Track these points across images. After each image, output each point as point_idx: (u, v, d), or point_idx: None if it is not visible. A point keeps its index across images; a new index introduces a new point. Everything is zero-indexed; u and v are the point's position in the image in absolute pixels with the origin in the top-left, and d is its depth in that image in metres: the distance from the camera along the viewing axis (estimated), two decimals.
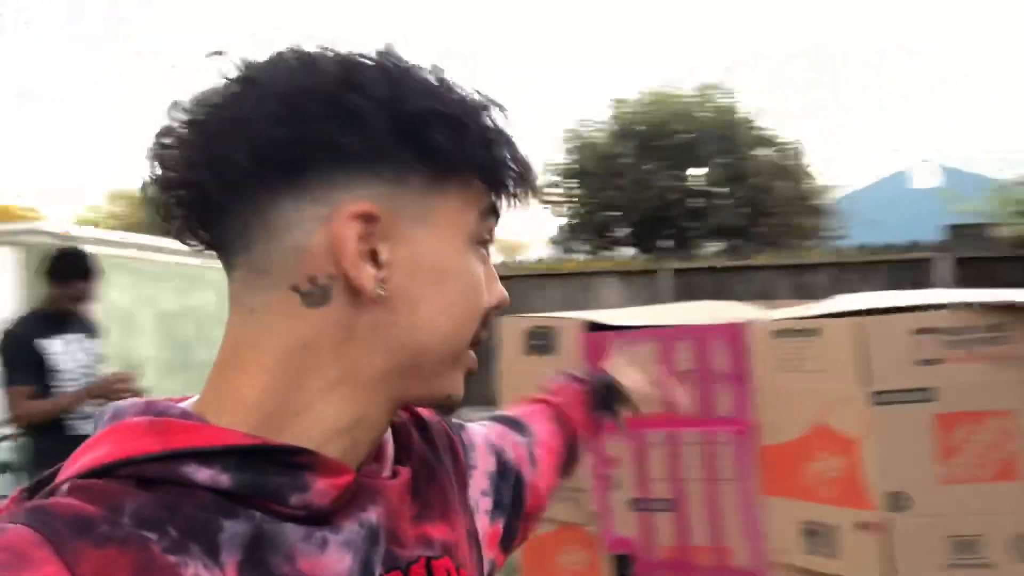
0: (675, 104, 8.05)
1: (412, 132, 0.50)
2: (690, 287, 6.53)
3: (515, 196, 0.58)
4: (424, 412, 0.68)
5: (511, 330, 2.42)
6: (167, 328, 6.46)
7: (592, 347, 2.15)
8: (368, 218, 0.50)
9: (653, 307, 2.97)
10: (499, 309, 0.59)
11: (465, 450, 0.72)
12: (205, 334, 6.78)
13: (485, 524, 0.71)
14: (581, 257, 8.54)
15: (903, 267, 6.24)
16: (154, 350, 6.26)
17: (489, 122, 0.54)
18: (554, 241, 9.64)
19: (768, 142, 8.11)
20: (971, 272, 5.99)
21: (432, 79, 0.53)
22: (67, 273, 2.78)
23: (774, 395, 1.97)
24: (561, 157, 8.74)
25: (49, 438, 2.64)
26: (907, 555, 1.82)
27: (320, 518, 0.50)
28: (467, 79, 0.56)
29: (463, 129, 0.52)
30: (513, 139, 0.56)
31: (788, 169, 8.01)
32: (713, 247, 7.79)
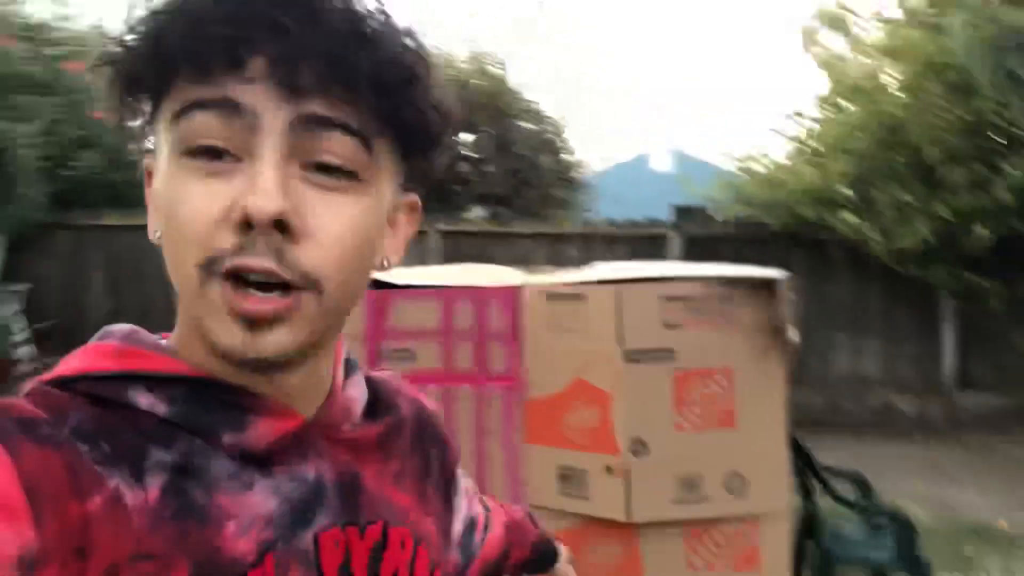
0: (449, 70, 8.16)
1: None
2: (456, 250, 6.72)
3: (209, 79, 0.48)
4: (427, 401, 0.71)
5: None
6: None
7: (376, 304, 2.17)
8: (148, 174, 0.53)
9: (431, 267, 3.05)
10: (254, 222, 0.46)
11: (454, 455, 0.73)
12: None
13: (453, 538, 0.72)
14: None
15: (642, 241, 6.91)
16: None
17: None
18: None
19: (533, 115, 8.51)
20: (697, 248, 6.81)
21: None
22: None
23: (542, 353, 2.14)
24: None
25: None
26: (643, 494, 2.08)
27: (255, 459, 0.50)
28: None
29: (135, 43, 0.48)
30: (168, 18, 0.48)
31: (550, 143, 8.49)
32: (478, 212, 8.07)
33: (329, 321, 0.52)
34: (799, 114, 6.77)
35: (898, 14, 6.12)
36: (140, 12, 0.48)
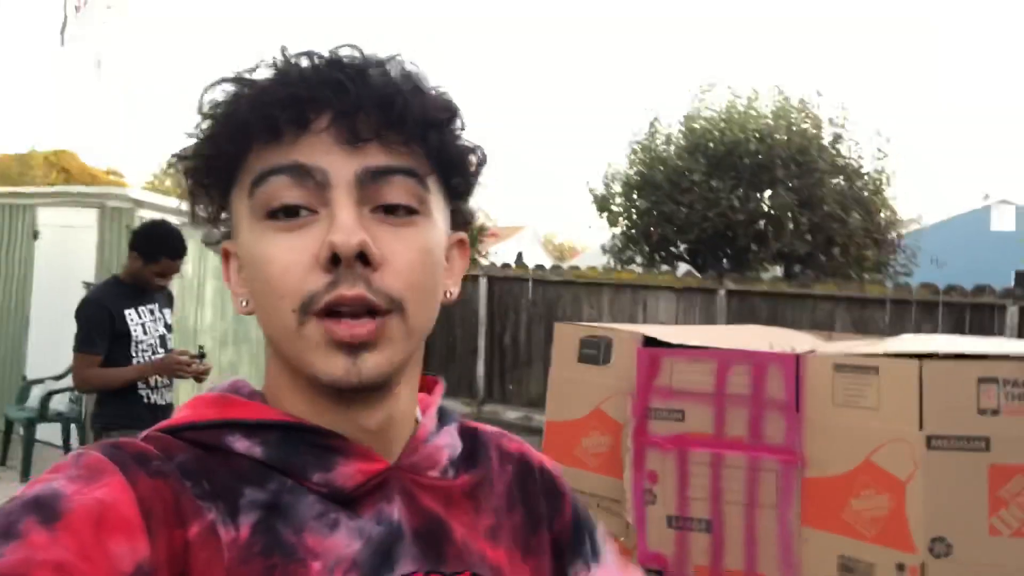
0: (750, 123, 7.96)
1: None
2: (745, 310, 6.44)
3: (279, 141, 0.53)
4: (542, 459, 0.70)
5: (564, 336, 2.46)
6: (226, 300, 6.68)
7: (646, 361, 2.17)
8: (226, 255, 0.60)
9: (709, 327, 2.97)
10: (341, 254, 0.51)
11: (581, 522, 0.69)
12: None
13: None
14: (635, 269, 8.50)
15: (969, 311, 6.05)
16: (213, 320, 6.47)
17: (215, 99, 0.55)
18: (606, 250, 9.59)
19: (845, 170, 7.94)
20: None
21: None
22: (156, 250, 2.83)
23: (826, 429, 1.97)
24: (626, 166, 8.73)
25: (117, 400, 2.76)
26: None
27: (342, 500, 0.54)
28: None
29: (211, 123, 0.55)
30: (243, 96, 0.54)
31: (862, 200, 7.84)
32: (773, 272, 7.68)
33: (412, 344, 0.56)
34: None
35: None
36: (212, 98, 0.55)
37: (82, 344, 2.75)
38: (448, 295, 0.62)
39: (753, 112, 8.23)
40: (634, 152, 8.69)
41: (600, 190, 8.97)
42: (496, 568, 0.60)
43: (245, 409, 0.56)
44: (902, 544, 1.85)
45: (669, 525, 2.16)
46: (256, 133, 0.53)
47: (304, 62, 0.54)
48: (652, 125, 8.72)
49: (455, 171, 0.59)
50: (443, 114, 0.57)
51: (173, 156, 0.57)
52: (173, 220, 3.20)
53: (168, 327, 2.98)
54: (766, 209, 7.96)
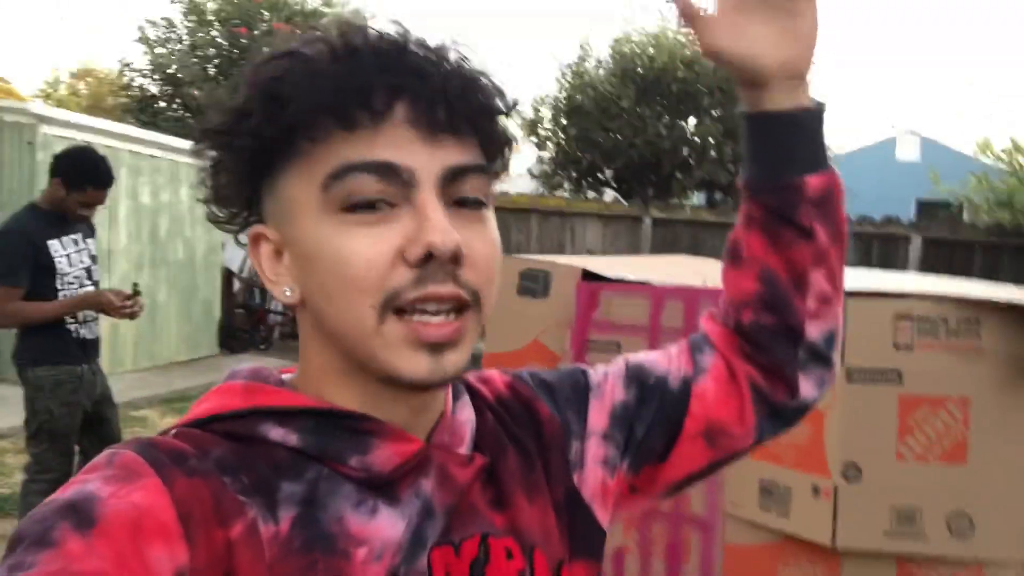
0: (679, 49, 7.96)
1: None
2: (669, 237, 6.61)
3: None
4: (502, 384, 0.67)
5: (503, 269, 2.48)
6: (142, 222, 6.38)
7: (585, 296, 2.22)
8: (258, 237, 0.56)
9: (643, 258, 3.05)
10: (437, 254, 0.50)
11: (559, 406, 0.68)
12: (178, 230, 6.72)
13: (597, 478, 0.66)
14: (563, 195, 8.54)
15: (877, 241, 6.37)
16: (128, 242, 6.20)
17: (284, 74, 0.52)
18: (534, 175, 9.58)
19: None
20: (940, 254, 6.15)
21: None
22: (83, 179, 2.67)
23: None
24: (556, 91, 8.65)
25: (43, 335, 2.64)
26: (852, 522, 1.96)
27: (380, 483, 0.54)
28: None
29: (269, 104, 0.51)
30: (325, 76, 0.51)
31: None
32: (694, 201, 7.86)
33: (478, 333, 0.56)
34: None
35: None
36: (272, 75, 0.51)
37: (3, 277, 2.58)
38: None
39: (682, 38, 8.23)
40: (564, 75, 8.60)
41: (529, 114, 8.88)
42: (508, 521, 0.59)
43: (276, 396, 0.55)
44: (817, 469, 1.99)
45: None
46: (328, 122, 0.50)
47: (372, 41, 0.52)
48: (583, 48, 8.63)
49: (500, 159, 0.58)
50: (504, 105, 0.56)
51: (207, 128, 0.53)
52: (80, 139, 3.01)
53: (93, 258, 2.85)
54: (691, 137, 8.08)
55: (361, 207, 0.51)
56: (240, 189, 0.56)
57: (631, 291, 2.21)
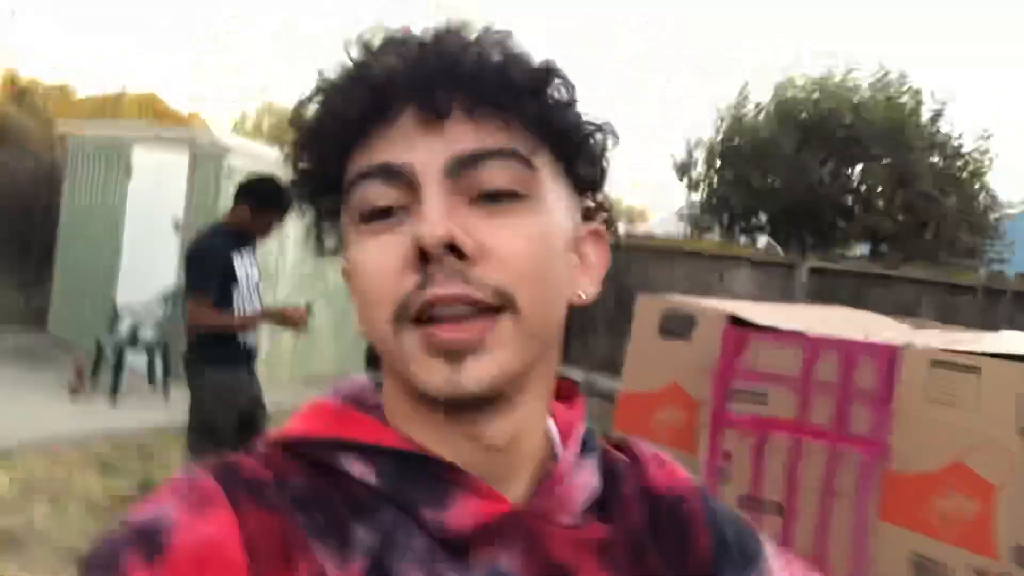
0: (844, 94, 7.61)
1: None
2: (826, 289, 6.25)
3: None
4: (668, 482, 0.59)
5: (646, 309, 2.43)
6: (307, 245, 6.83)
7: (732, 341, 2.13)
8: (345, 273, 0.53)
9: (796, 307, 2.90)
10: (427, 249, 0.45)
11: (728, 549, 0.58)
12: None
13: None
14: (712, 238, 8.33)
15: None
16: (294, 263, 6.64)
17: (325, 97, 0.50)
18: (682, 216, 9.39)
19: (943, 148, 7.54)
20: None
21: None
22: (268, 203, 2.94)
23: (917, 424, 1.90)
24: (712, 132, 8.50)
25: (219, 342, 2.91)
26: None
27: (455, 544, 0.48)
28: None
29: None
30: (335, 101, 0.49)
31: (959, 180, 7.45)
32: (857, 252, 7.42)
33: (531, 350, 0.48)
34: None
35: None
36: (302, 114, 0.50)
37: (196, 286, 2.88)
38: (582, 295, 0.54)
39: (849, 83, 7.87)
40: (721, 118, 8.44)
41: (682, 156, 8.77)
42: None
43: (363, 428, 0.50)
44: (983, 549, 1.79)
45: (740, 505, 2.14)
46: (346, 140, 0.49)
47: (380, 46, 0.49)
48: (742, 91, 8.44)
49: (573, 147, 0.51)
50: (538, 78, 0.49)
51: (289, 182, 0.54)
52: (262, 167, 3.31)
53: (259, 274, 3.12)
54: (855, 184, 7.66)
55: (375, 216, 0.48)
56: (327, 227, 0.54)
57: (782, 340, 2.10)
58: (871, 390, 1.95)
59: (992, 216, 7.92)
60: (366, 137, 0.48)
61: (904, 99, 7.52)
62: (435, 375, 0.46)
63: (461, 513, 0.48)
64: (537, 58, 0.49)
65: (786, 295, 6.17)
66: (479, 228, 0.46)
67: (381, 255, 0.47)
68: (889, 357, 1.94)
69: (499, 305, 0.46)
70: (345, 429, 0.50)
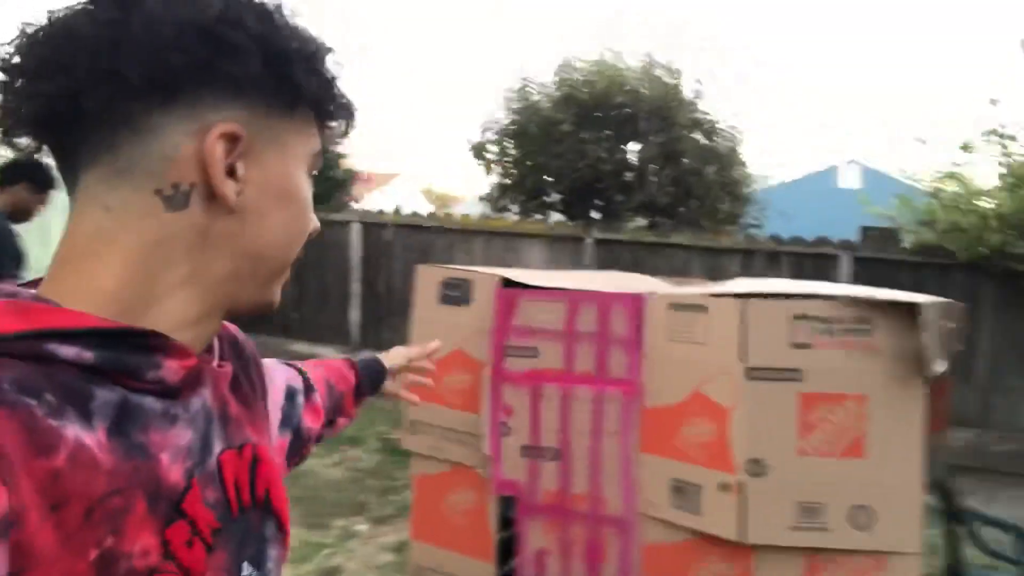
0: (619, 76, 8.17)
1: (277, 67, 0.58)
2: (611, 258, 6.73)
3: (344, 132, 0.67)
4: (232, 328, 0.76)
5: (427, 279, 2.52)
6: None
7: (503, 302, 2.27)
8: (233, 138, 0.57)
9: (567, 272, 3.11)
10: (313, 236, 0.66)
11: (262, 368, 0.79)
12: None
13: (275, 435, 0.84)
14: (512, 217, 8.64)
15: (808, 260, 6.58)
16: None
17: (329, 63, 0.62)
18: (484, 199, 9.67)
19: (704, 126, 8.33)
20: (873, 273, 6.37)
21: (290, 20, 0.60)
22: (46, 183, 3.06)
23: (662, 362, 2.14)
24: (503, 116, 8.78)
25: None
26: (759, 516, 2.03)
27: (171, 394, 0.57)
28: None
29: (316, 68, 0.61)
30: (338, 80, 0.64)
31: (719, 154, 8.27)
32: (638, 222, 8.02)
33: None
34: (998, 133, 6.16)
35: None
36: (332, 63, 0.63)
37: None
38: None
39: (621, 65, 8.45)
40: (508, 101, 8.74)
41: (477, 139, 8.99)
42: (255, 432, 0.68)
43: (57, 316, 0.52)
44: (724, 466, 2.06)
45: (522, 455, 2.30)
46: (333, 119, 0.67)
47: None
48: (523, 77, 8.79)
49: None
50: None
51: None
52: None
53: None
54: (632, 161, 8.26)
55: (310, 174, 0.67)
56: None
57: (548, 297, 2.27)
58: (624, 336, 2.17)
59: (747, 187, 8.87)
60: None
61: (669, 81, 8.21)
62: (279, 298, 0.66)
63: (171, 368, 0.57)
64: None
65: (576, 265, 6.57)
66: None
67: (311, 209, 0.67)
68: (636, 305, 2.16)
69: None
70: (41, 320, 0.51)
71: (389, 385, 1.26)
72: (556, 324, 2.22)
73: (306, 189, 0.64)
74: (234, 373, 0.68)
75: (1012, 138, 6.17)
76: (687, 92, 8.28)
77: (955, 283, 5.88)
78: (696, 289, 2.30)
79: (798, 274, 6.37)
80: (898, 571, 2.04)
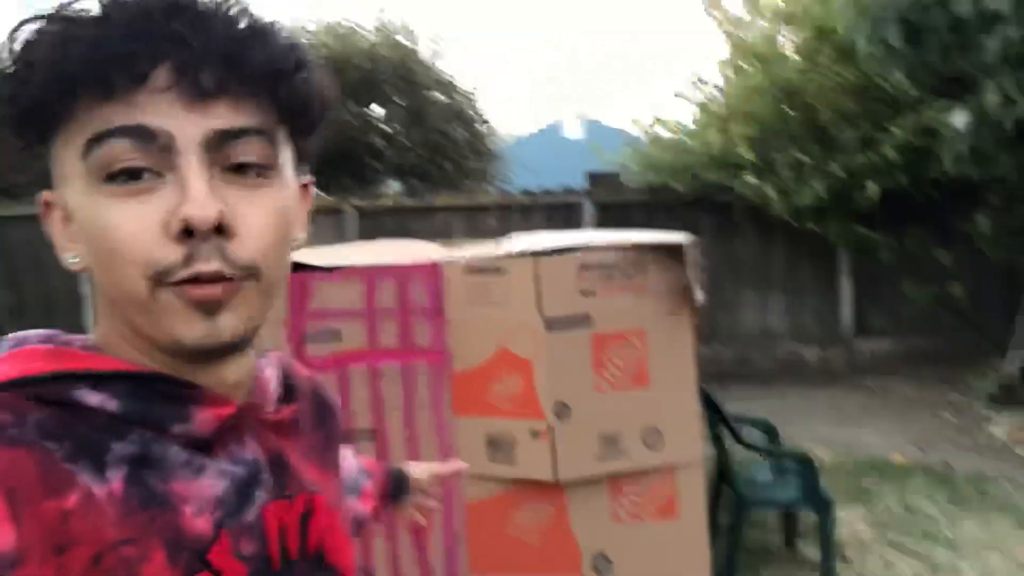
0: (354, 39, 8.02)
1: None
2: (375, 227, 6.68)
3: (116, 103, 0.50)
4: (305, 372, 0.73)
5: None
6: None
7: (297, 288, 2.19)
8: (47, 205, 0.55)
9: (351, 245, 3.06)
10: (188, 229, 0.49)
11: (338, 417, 0.77)
12: None
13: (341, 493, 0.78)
14: None
15: (558, 210, 7.04)
16: None
17: (46, 42, 0.50)
18: None
19: (445, 87, 8.48)
20: (610, 215, 6.98)
21: None
22: None
23: (465, 326, 2.21)
24: None
25: None
26: (567, 454, 2.20)
27: (202, 445, 0.55)
28: None
29: (31, 73, 0.49)
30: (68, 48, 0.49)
31: (462, 114, 8.48)
32: (394, 187, 8.02)
33: (267, 303, 0.56)
34: (701, 79, 6.98)
35: None
36: (27, 39, 0.49)
37: None
38: (295, 244, 0.60)
39: (356, 29, 8.30)
40: None
41: None
42: (316, 482, 0.65)
43: (86, 360, 0.52)
44: (533, 413, 2.19)
45: None
46: (86, 87, 0.48)
47: (138, 3, 0.49)
48: None
49: (302, 119, 0.57)
50: (292, 63, 0.54)
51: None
52: None
53: None
54: (380, 125, 8.21)
55: (122, 176, 0.50)
56: (27, 155, 0.53)
57: (343, 277, 2.23)
58: (425, 306, 2.20)
59: (491, 144, 9.23)
60: (111, 93, 0.48)
61: (406, 43, 8.23)
62: (195, 329, 0.51)
63: (202, 420, 0.55)
64: (287, 38, 0.55)
65: (339, 238, 6.43)
66: (234, 203, 0.51)
67: (136, 220, 0.49)
68: (434, 274, 2.20)
69: (245, 277, 0.52)
70: (67, 363, 0.52)
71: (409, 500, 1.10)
72: (355, 303, 2.19)
73: (98, 207, 0.51)
74: (295, 418, 0.64)
75: (706, 83, 7.02)
76: (425, 52, 8.37)
77: (679, 218, 6.63)
78: (485, 251, 2.38)
79: (551, 224, 6.78)
80: (685, 479, 2.33)
